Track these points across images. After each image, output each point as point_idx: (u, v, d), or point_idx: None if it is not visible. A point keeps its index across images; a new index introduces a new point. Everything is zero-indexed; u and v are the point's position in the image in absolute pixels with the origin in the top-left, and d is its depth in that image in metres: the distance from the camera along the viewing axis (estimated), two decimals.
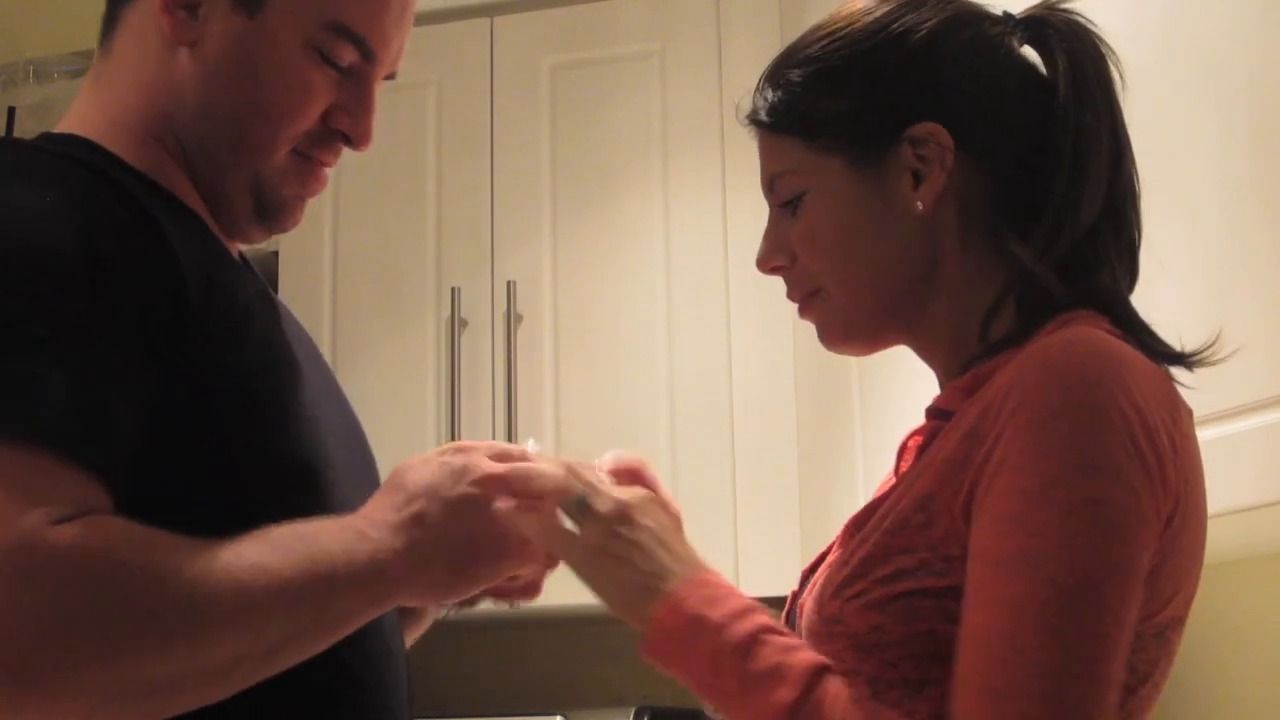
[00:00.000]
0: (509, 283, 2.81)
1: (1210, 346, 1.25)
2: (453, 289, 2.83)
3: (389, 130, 2.99)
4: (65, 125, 1.30)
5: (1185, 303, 1.77)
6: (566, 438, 2.76)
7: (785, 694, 1.08)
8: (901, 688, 1.10)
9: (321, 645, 1.13)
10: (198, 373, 1.17)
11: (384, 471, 1.28)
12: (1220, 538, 1.99)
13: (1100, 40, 1.26)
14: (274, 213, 1.32)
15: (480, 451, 1.23)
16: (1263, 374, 1.63)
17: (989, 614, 1.05)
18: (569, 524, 1.19)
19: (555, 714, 2.64)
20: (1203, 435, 1.72)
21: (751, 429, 2.69)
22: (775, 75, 1.29)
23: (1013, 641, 1.03)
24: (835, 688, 1.09)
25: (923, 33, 1.23)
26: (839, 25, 1.27)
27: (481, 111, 2.92)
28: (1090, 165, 1.21)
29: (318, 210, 2.96)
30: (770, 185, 1.28)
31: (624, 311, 2.79)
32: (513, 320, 2.80)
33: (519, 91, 2.91)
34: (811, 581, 1.27)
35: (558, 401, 2.78)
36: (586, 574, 1.19)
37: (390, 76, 1.36)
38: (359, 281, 2.93)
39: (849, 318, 1.26)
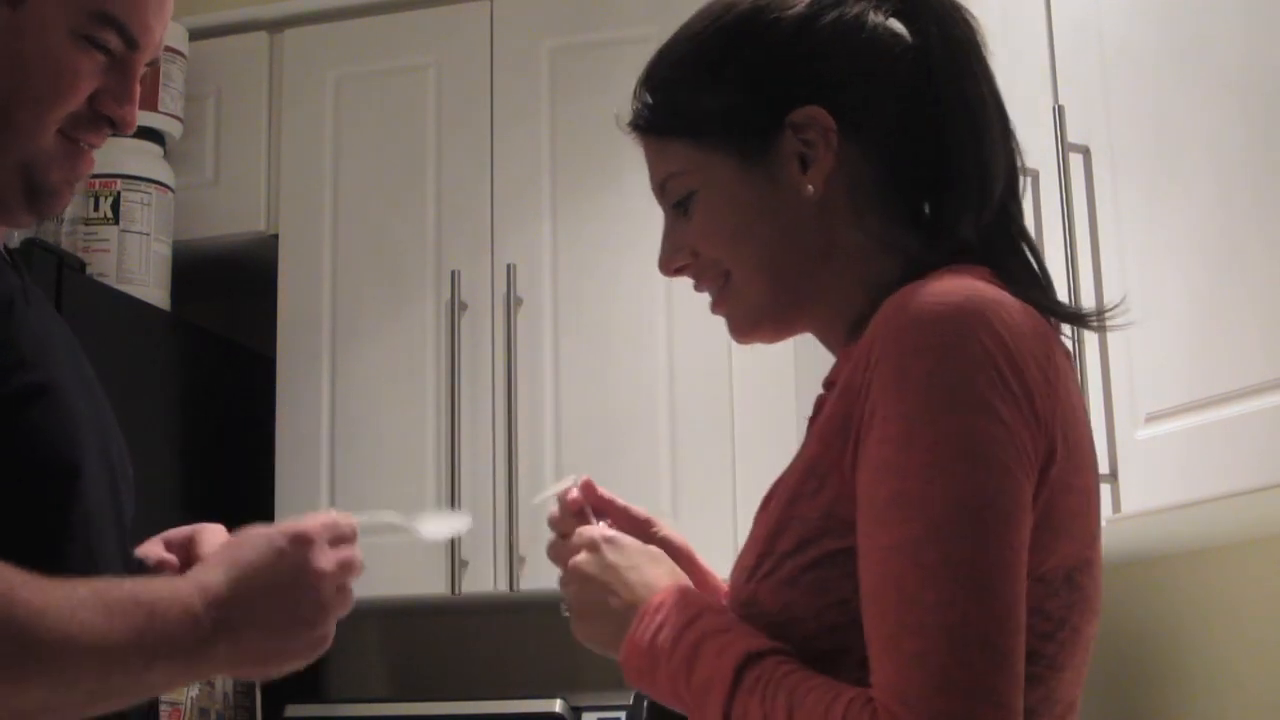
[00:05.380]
0: (509, 266, 2.81)
1: (1115, 307, 1.28)
2: (453, 272, 2.83)
3: (388, 113, 2.99)
4: None
5: (1184, 289, 1.77)
6: (566, 422, 2.76)
7: (717, 700, 1.12)
8: (818, 662, 1.12)
9: (126, 705, 1.17)
10: None
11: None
12: (1219, 521, 1.99)
13: (968, 12, 1.28)
14: (43, 197, 1.34)
15: (320, 541, 1.27)
16: (1258, 358, 1.63)
17: (875, 564, 1.07)
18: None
19: (555, 697, 2.65)
20: (1200, 420, 1.73)
21: (751, 413, 2.69)
22: (651, 78, 1.31)
23: (900, 586, 1.05)
24: (757, 675, 1.11)
25: (791, 19, 1.24)
26: (708, 21, 1.29)
27: (481, 94, 2.92)
28: (987, 135, 1.23)
29: (318, 193, 2.96)
30: (661, 189, 1.30)
31: (624, 295, 2.79)
32: (513, 304, 2.80)
33: (519, 74, 2.91)
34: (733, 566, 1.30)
35: (557, 385, 2.78)
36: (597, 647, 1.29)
37: (153, 63, 1.39)
38: (359, 264, 2.92)
39: (754, 304, 1.29)
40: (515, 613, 3.05)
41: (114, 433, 1.41)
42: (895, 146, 1.24)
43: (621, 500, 1.41)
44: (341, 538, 1.29)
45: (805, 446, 1.20)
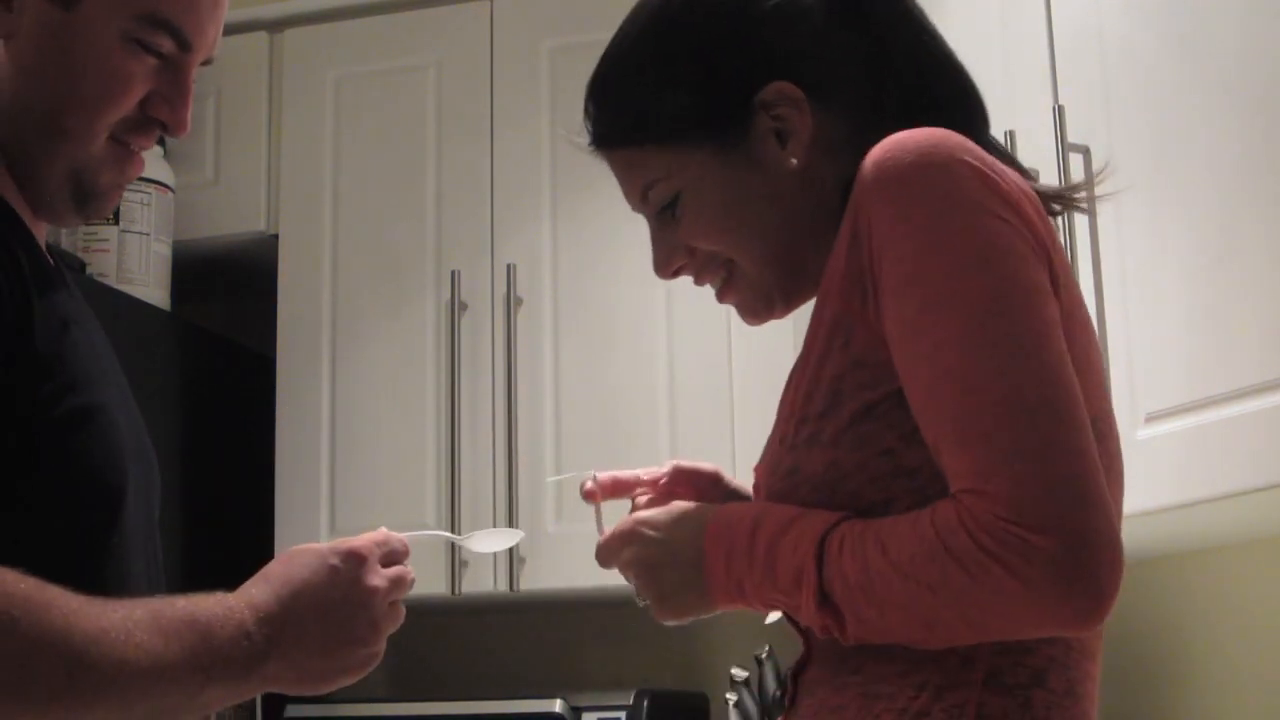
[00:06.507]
0: (509, 266, 2.81)
1: (1100, 174, 1.35)
2: (453, 272, 2.83)
3: (388, 113, 2.99)
4: None
5: (1184, 289, 1.77)
6: (566, 421, 2.76)
7: (810, 583, 1.13)
8: (868, 515, 1.13)
9: None
10: (25, 393, 1.19)
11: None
12: (1219, 521, 1.99)
13: None
14: (92, 200, 1.33)
15: (372, 559, 1.27)
16: (1259, 359, 1.63)
17: (921, 371, 1.10)
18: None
19: (555, 697, 2.64)
20: (1200, 420, 1.73)
21: (751, 413, 2.69)
22: (603, 92, 1.31)
23: (950, 379, 1.08)
24: (838, 542, 1.12)
25: (733, 1, 1.25)
26: (648, 22, 1.30)
27: (481, 94, 2.92)
28: (948, 63, 1.27)
29: (318, 193, 2.96)
30: (643, 198, 1.30)
31: (624, 294, 2.79)
32: (513, 304, 2.80)
33: (519, 74, 2.91)
34: (760, 459, 1.30)
35: (557, 385, 2.78)
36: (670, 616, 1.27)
37: (207, 62, 1.37)
38: (359, 264, 2.92)
39: (766, 286, 1.29)
40: (515, 613, 3.05)
41: (148, 446, 1.41)
42: (864, 97, 1.25)
43: (686, 463, 1.42)
44: (393, 555, 1.30)
45: (819, 309, 1.21)
